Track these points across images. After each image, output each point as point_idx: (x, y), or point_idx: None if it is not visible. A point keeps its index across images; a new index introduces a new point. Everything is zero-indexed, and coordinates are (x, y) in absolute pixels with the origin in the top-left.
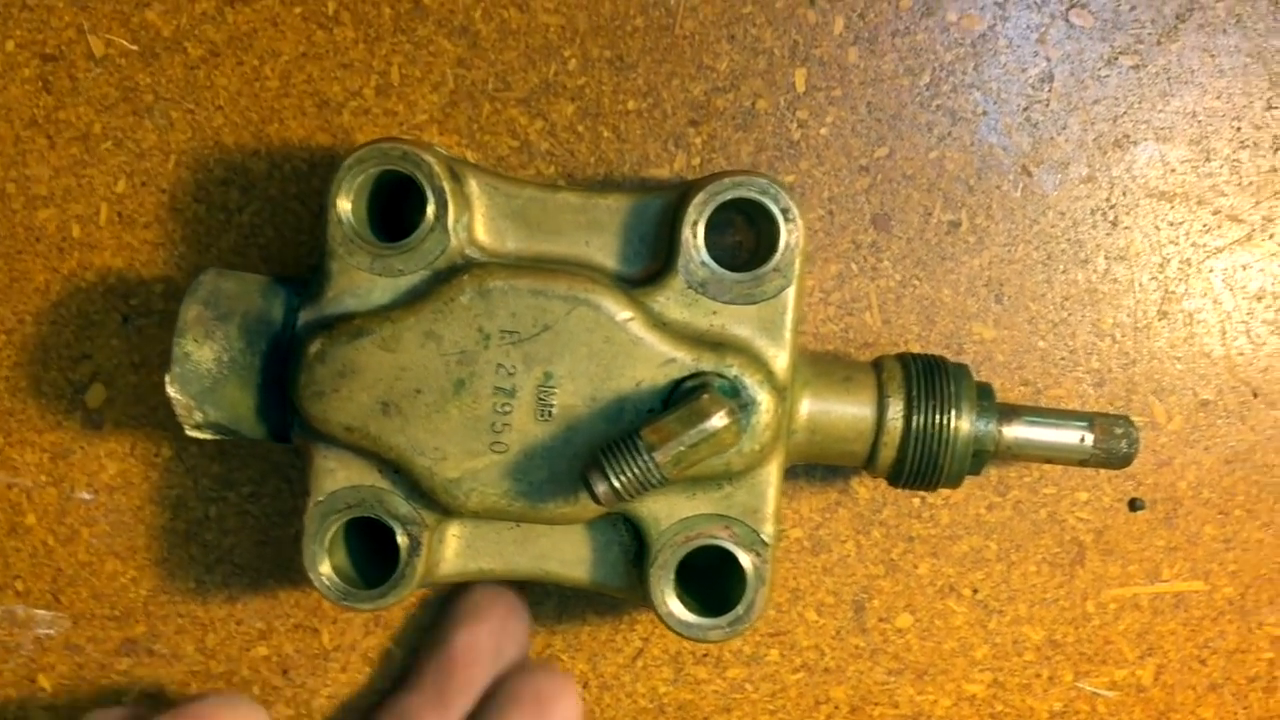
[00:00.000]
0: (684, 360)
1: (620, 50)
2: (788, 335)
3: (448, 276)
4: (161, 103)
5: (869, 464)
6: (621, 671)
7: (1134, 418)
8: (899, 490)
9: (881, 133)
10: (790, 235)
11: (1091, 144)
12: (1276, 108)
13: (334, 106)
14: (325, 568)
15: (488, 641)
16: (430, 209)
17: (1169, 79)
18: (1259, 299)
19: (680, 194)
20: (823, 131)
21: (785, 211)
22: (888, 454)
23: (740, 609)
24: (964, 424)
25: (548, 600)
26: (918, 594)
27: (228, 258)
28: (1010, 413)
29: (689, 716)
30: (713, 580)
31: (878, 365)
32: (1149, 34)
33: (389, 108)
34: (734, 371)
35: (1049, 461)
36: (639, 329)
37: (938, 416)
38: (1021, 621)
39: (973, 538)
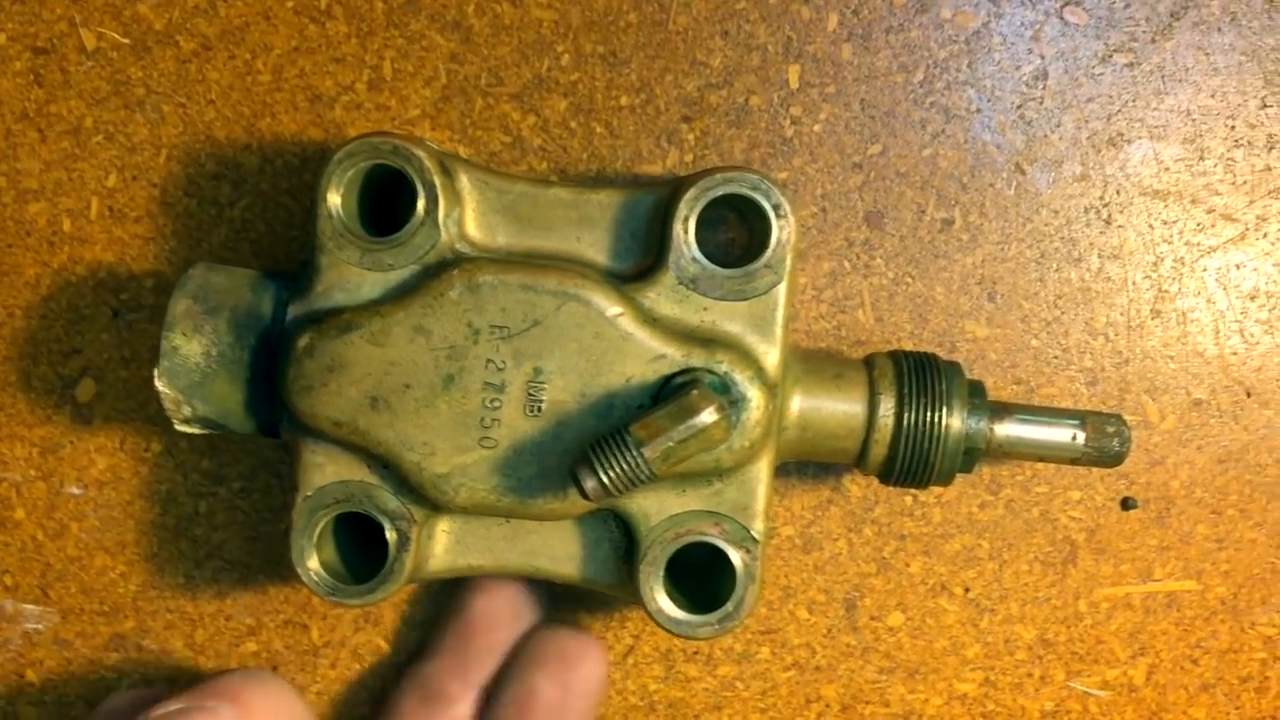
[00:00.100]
0: (674, 356)
1: (613, 46)
2: (779, 332)
3: (437, 271)
4: (153, 96)
5: (860, 461)
6: (612, 669)
7: (1127, 417)
8: (891, 488)
9: (875, 130)
10: (782, 231)
11: (1085, 142)
12: (1271, 106)
13: (326, 101)
14: (313, 563)
15: (506, 604)
16: (421, 203)
17: (1163, 77)
18: (1252, 298)
19: (672, 190)
20: (816, 128)
21: (777, 207)
22: (879, 451)
23: (730, 606)
24: (955, 421)
25: (538, 596)
26: (909, 592)
27: (219, 252)
28: (1002, 410)
29: (679, 714)
30: (703, 577)
31: (869, 362)
32: (1143, 32)
33: (381, 102)
34: (724, 368)
35: (1041, 460)
36: (629, 324)
37: (929, 414)
38: (1013, 620)
39: (965, 536)
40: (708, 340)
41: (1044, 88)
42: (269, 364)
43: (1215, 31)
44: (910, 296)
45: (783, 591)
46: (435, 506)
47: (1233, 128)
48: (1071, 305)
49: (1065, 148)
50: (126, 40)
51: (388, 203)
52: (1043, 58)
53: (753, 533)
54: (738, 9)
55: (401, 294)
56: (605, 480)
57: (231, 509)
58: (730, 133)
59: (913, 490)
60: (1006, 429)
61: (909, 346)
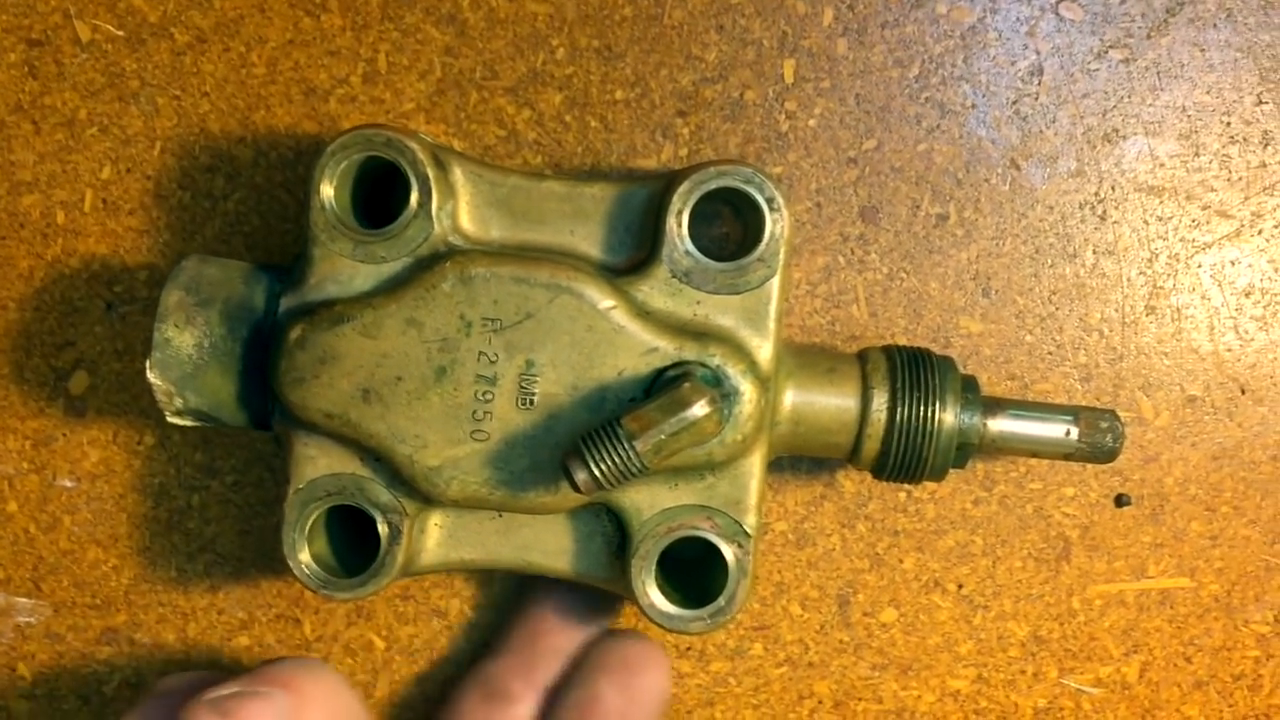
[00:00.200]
0: (666, 349)
1: (608, 40)
2: (772, 325)
3: (430, 264)
4: (147, 89)
5: (853, 456)
6: None
7: (1121, 413)
8: (884, 483)
9: (870, 125)
10: (775, 225)
11: (1080, 138)
12: (1266, 103)
13: (321, 94)
14: (305, 556)
15: (574, 608)
16: (414, 196)
17: (1159, 73)
18: (1247, 294)
19: (666, 183)
20: (811, 123)
21: (770, 201)
22: (871, 446)
23: (722, 600)
24: (948, 416)
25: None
26: (903, 589)
27: (213, 245)
28: (995, 406)
29: (672, 710)
30: (697, 573)
31: (862, 357)
32: (1139, 28)
33: (376, 96)
34: (716, 361)
35: (1034, 455)
36: (621, 318)
37: (922, 408)
38: (1006, 617)
39: (958, 532)
40: (700, 334)
41: (1039, 83)
42: (261, 356)
43: (1211, 28)
44: (905, 292)
45: (775, 587)
46: (427, 499)
47: (1228, 124)
48: (1066, 301)
49: (1060, 143)
50: (121, 32)
51: (382, 196)
52: (1038, 53)
53: (745, 527)
54: (733, 3)
55: (394, 286)
56: (596, 473)
57: (224, 503)
58: (725, 127)
59: (906, 486)
60: (1000, 424)
61: (903, 342)
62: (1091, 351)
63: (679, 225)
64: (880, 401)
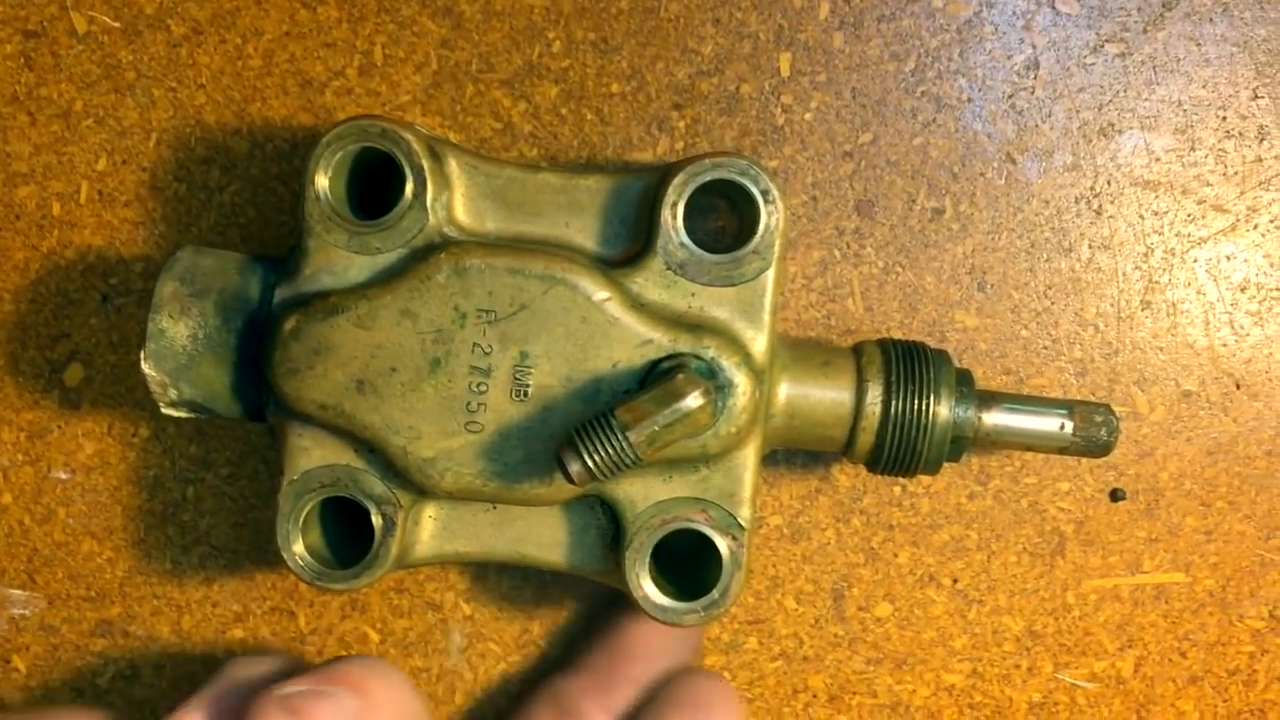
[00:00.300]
0: (661, 341)
1: (605, 33)
2: (766, 318)
3: (425, 255)
4: (143, 80)
5: (847, 449)
6: None
7: (1116, 408)
8: (879, 477)
9: (866, 118)
10: (770, 217)
11: (1076, 132)
12: (1262, 98)
13: (316, 86)
14: (299, 547)
15: (661, 639)
16: (409, 187)
17: (1155, 67)
18: (1243, 289)
19: (661, 176)
20: (807, 116)
21: (765, 193)
22: (866, 439)
23: (716, 593)
24: (942, 410)
25: (526, 586)
26: (897, 583)
27: (208, 237)
28: (990, 399)
29: None
30: (692, 567)
31: (857, 350)
32: (1135, 22)
33: (372, 88)
34: (711, 353)
35: (1029, 449)
36: (616, 309)
37: (916, 402)
38: (1001, 612)
39: (953, 527)
40: (695, 326)
41: (1035, 77)
42: (256, 347)
43: (1207, 22)
44: (900, 286)
45: (770, 581)
46: (421, 491)
47: (1224, 119)
48: (1061, 295)
49: (1056, 137)
50: (117, 24)
51: (377, 188)
52: (1034, 47)
53: (739, 520)
54: None
55: (389, 277)
56: (590, 464)
57: (219, 495)
58: (721, 120)
59: (900, 479)
60: (994, 418)
61: (899, 336)
62: (1087, 346)
63: (674, 217)
64: (875, 394)
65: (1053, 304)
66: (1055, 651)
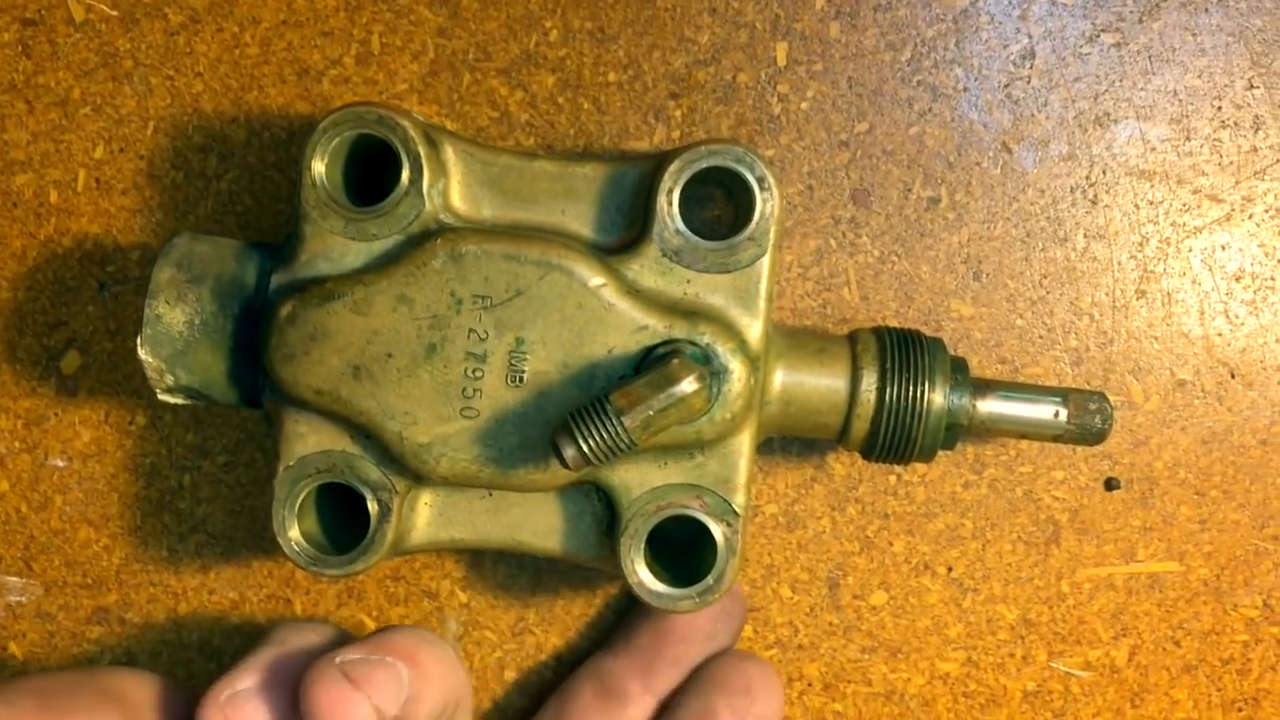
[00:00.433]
0: (656, 327)
1: (601, 22)
2: (761, 305)
3: (421, 241)
4: (141, 69)
5: (842, 436)
6: (594, 648)
7: (1111, 397)
8: (874, 466)
9: (862, 108)
10: (765, 204)
11: (1072, 121)
12: (1257, 87)
13: (314, 75)
14: (294, 533)
15: (706, 622)
16: (405, 173)
17: (1150, 57)
18: (1237, 279)
19: (657, 163)
20: (803, 106)
21: (761, 180)
22: (861, 426)
23: (710, 579)
24: (937, 397)
25: (521, 574)
26: (892, 571)
27: (205, 225)
28: (984, 387)
29: None
30: (687, 555)
31: (853, 338)
32: (1131, 11)
33: (369, 76)
34: (706, 339)
35: (1024, 437)
36: (611, 295)
37: (911, 389)
38: (996, 600)
39: (948, 515)
40: (690, 312)
41: (1031, 67)
42: (252, 333)
43: (1202, 12)
44: (896, 275)
45: (765, 570)
46: (417, 477)
47: (1219, 109)
48: (1057, 285)
49: (1052, 127)
50: (115, 12)
51: (374, 176)
52: (1030, 37)
53: (734, 506)
54: None
55: (385, 263)
56: (585, 449)
57: (215, 483)
58: (717, 110)
59: (896, 467)
60: (989, 405)
61: (894, 324)
62: (1082, 335)
63: (670, 204)
64: (870, 382)
65: (1048, 293)
66: (1050, 640)
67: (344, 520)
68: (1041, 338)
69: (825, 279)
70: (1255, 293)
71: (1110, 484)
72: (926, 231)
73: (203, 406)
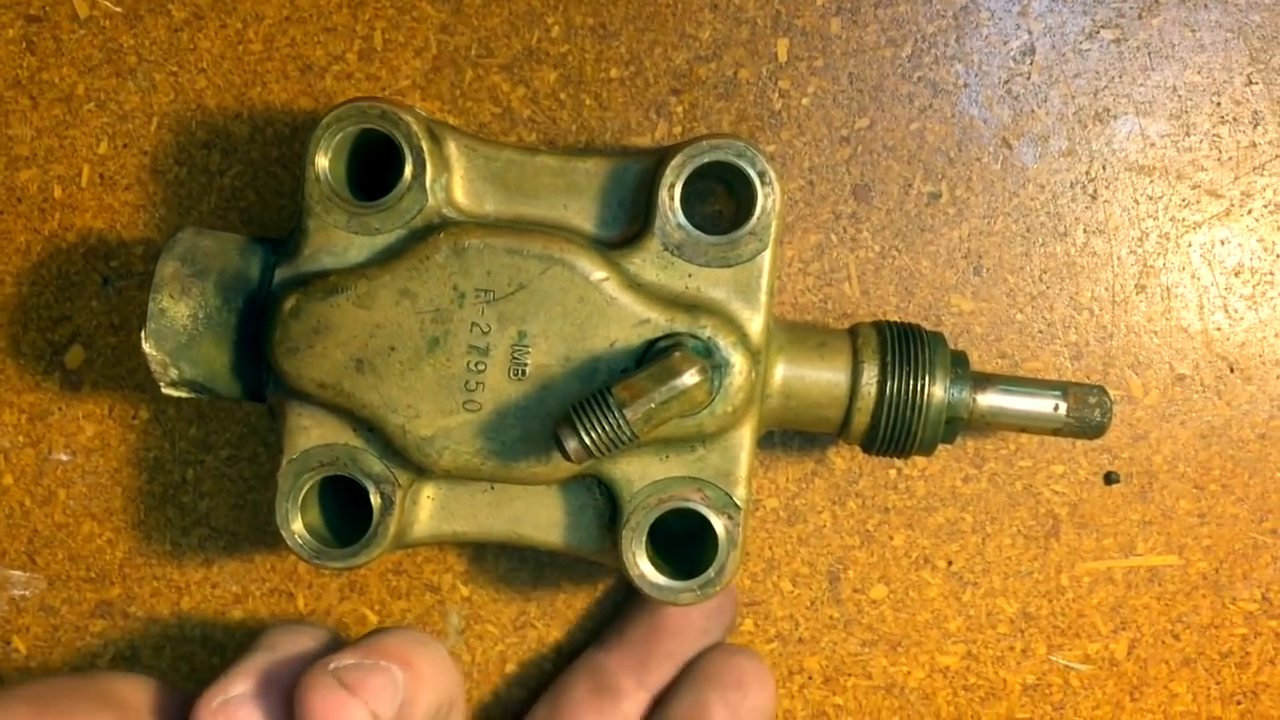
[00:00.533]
0: (658, 321)
1: (603, 18)
2: (763, 299)
3: (424, 235)
4: (144, 65)
5: (843, 430)
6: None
7: (1111, 391)
8: (874, 459)
9: (863, 104)
10: (766, 199)
11: (1072, 117)
12: (1256, 83)
13: (317, 71)
14: (298, 525)
15: (699, 617)
16: (408, 168)
17: (1150, 53)
18: (1236, 274)
19: (658, 158)
20: (804, 102)
21: (762, 175)
22: (861, 420)
23: (711, 572)
24: (938, 390)
25: (523, 568)
26: (893, 565)
27: (209, 220)
28: (984, 380)
29: None
30: (689, 549)
31: (853, 332)
32: (1130, 8)
33: (372, 73)
34: (707, 333)
35: (1023, 431)
36: (613, 289)
37: (911, 382)
38: (996, 594)
39: (948, 509)
40: (692, 306)
41: (1031, 63)
42: (256, 327)
43: (1202, 8)
44: (896, 270)
45: (766, 564)
46: (420, 470)
47: (1218, 104)
48: (1057, 280)
49: (1052, 123)
50: (119, 9)
51: (377, 172)
52: (1030, 33)
53: (735, 499)
54: None
55: (388, 257)
56: (587, 441)
57: (219, 477)
58: (719, 105)
59: (896, 461)
60: (989, 399)
61: (895, 319)
62: (1082, 330)
63: (671, 198)
64: (870, 375)
65: (1048, 288)
66: (1049, 633)
67: (347, 513)
68: (1041, 332)
69: (826, 274)
70: (1254, 288)
71: (1110, 478)
72: (927, 227)
73: (206, 400)
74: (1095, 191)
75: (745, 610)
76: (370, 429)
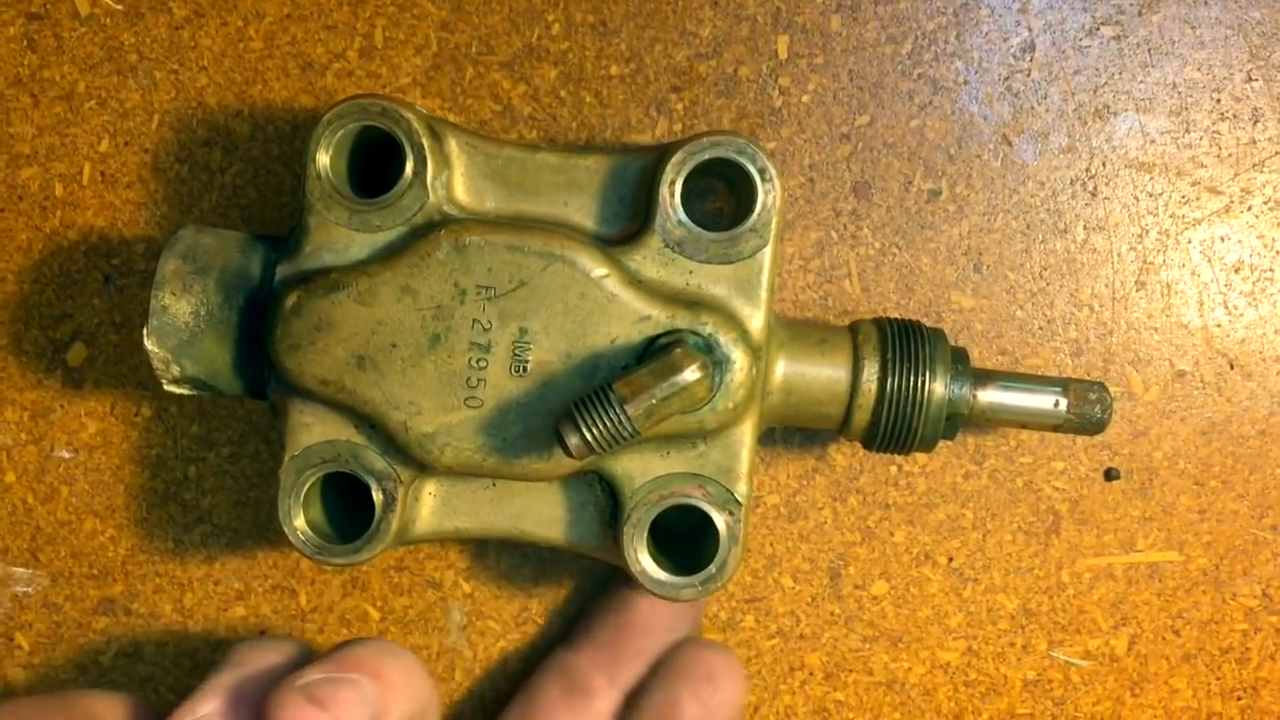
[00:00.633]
0: (659, 317)
1: (603, 15)
2: (763, 295)
3: (425, 232)
4: (145, 63)
5: (843, 426)
6: None
7: (1111, 388)
8: (875, 456)
9: (863, 100)
10: (767, 195)
11: (1072, 114)
12: (1256, 80)
13: (317, 68)
14: (300, 522)
15: (666, 613)
16: (409, 165)
17: (1150, 50)
18: (1236, 270)
19: (659, 155)
20: (804, 99)
21: (762, 171)
22: (862, 416)
23: (713, 568)
24: (938, 387)
25: (525, 564)
26: (893, 561)
27: (210, 218)
28: (985, 377)
29: None
30: (690, 546)
31: (854, 328)
32: (1130, 4)
33: (372, 70)
34: (708, 329)
35: (1024, 427)
36: (614, 286)
37: (912, 379)
38: (996, 590)
39: (949, 506)
40: (693, 303)
41: (1031, 60)
42: (257, 324)
43: (1202, 5)
44: (897, 267)
45: (767, 560)
46: (421, 467)
47: (1218, 101)
48: (1057, 276)
49: (1052, 120)
50: (120, 6)
51: (378, 170)
52: (1030, 30)
53: (736, 495)
54: None
55: (389, 254)
56: (589, 437)
57: (221, 474)
58: (719, 103)
59: (897, 458)
60: (989, 395)
61: (895, 316)
62: (1082, 326)
63: (672, 195)
64: (871, 372)
65: (1048, 285)
66: (1050, 629)
67: (349, 510)
68: (1041, 329)
69: (826, 271)
70: (1254, 284)
71: (1110, 474)
72: (927, 224)
73: (208, 397)
74: (1095, 188)
75: (746, 606)
76: (372, 426)
